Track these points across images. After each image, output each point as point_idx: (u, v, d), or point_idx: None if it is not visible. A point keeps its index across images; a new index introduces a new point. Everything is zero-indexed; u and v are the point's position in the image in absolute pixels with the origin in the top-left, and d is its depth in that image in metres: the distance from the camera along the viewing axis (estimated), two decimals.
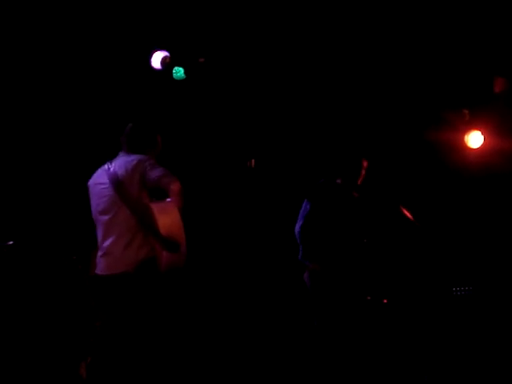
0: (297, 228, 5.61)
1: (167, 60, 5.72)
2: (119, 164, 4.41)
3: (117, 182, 4.32)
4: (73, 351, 5.28)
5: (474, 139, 6.58)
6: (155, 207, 4.27)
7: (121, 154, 4.51)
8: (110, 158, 5.81)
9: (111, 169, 4.40)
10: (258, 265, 6.70)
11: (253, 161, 5.42)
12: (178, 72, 5.81)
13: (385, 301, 5.69)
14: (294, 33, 6.00)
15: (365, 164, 5.64)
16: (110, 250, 4.35)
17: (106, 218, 4.38)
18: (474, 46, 6.29)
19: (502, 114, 6.53)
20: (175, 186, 4.23)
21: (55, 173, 6.27)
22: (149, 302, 4.25)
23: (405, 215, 5.69)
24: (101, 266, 4.41)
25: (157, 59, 5.80)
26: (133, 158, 4.38)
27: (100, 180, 4.46)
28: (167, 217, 4.25)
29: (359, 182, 5.65)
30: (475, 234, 6.68)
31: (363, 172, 5.64)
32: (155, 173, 4.29)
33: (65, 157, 6.27)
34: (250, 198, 6.51)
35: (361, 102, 6.69)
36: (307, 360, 5.73)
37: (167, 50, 5.78)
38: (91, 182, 4.55)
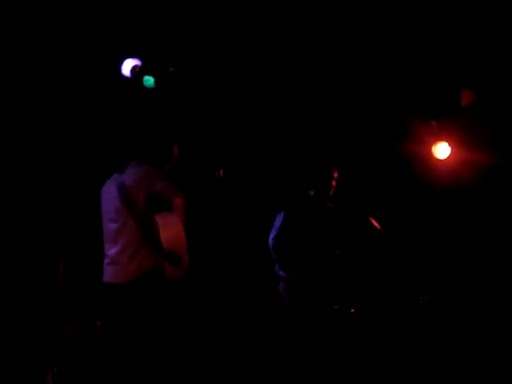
0: (270, 240, 5.66)
1: (137, 69, 5.71)
2: (128, 174, 4.44)
3: (123, 192, 4.36)
4: (39, 360, 5.23)
5: (441, 150, 6.65)
6: (159, 219, 4.35)
7: (132, 163, 4.52)
8: (77, 166, 5.80)
9: (120, 178, 4.44)
10: (227, 276, 6.70)
11: (221, 171, 5.44)
12: (149, 80, 5.80)
13: (352, 310, 5.73)
14: (265, 45, 6.02)
15: (335, 175, 5.72)
16: (115, 260, 4.41)
17: (113, 226, 4.43)
18: (441, 58, 6.36)
19: (469, 125, 6.62)
20: (178, 200, 4.29)
21: (21, 181, 6.21)
22: (151, 311, 4.33)
23: (373, 225, 5.75)
24: (106, 274, 4.47)
25: (127, 67, 5.80)
26: (141, 169, 4.42)
27: (109, 188, 4.50)
28: (170, 230, 4.35)
29: (331, 193, 5.73)
30: (442, 244, 6.75)
31: (334, 183, 5.71)
32: (160, 185, 4.33)
33: (29, 165, 6.21)
34: (218, 208, 6.51)
35: (330, 114, 6.73)
36: (283, 369, 5.76)
37: (138, 58, 5.77)
38: (102, 189, 4.59)
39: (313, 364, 5.46)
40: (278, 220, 5.66)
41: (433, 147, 6.65)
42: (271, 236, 5.64)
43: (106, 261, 4.49)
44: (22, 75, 5.95)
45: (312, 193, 5.74)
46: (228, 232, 6.65)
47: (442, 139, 6.62)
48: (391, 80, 6.53)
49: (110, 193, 4.49)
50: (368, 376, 5.91)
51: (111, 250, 4.44)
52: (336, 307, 5.61)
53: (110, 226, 4.47)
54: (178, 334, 5.30)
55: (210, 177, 5.81)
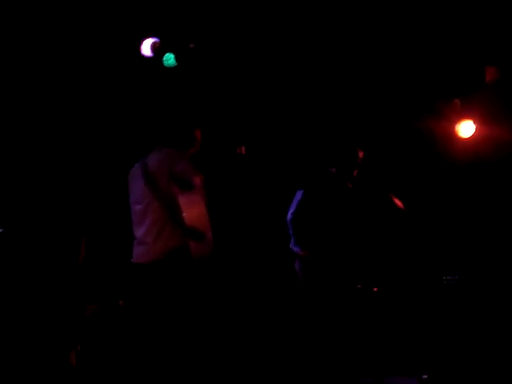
0: (289, 215, 5.64)
1: (157, 45, 5.69)
2: (152, 157, 4.66)
3: (147, 175, 4.57)
4: (62, 340, 5.27)
5: (465, 129, 6.58)
6: (182, 199, 4.54)
7: (157, 148, 4.71)
8: (99, 147, 5.91)
9: (145, 161, 4.66)
10: (248, 253, 6.69)
11: (243, 148, 5.42)
12: (169, 59, 5.78)
13: (375, 289, 5.70)
14: (286, 18, 5.96)
15: (360, 155, 5.66)
16: (143, 240, 4.59)
17: (138, 207, 4.65)
18: (465, 35, 6.28)
19: (493, 103, 6.53)
20: (197, 180, 4.49)
21: (43, 163, 6.24)
22: (178, 289, 4.49)
23: (395, 204, 5.70)
24: (134, 255, 4.66)
25: (147, 46, 5.77)
26: (163, 152, 4.63)
27: (136, 172, 4.72)
28: (192, 208, 4.55)
29: (355, 174, 5.66)
30: (466, 223, 6.68)
31: (359, 163, 5.65)
32: (180, 166, 4.52)
33: (53, 147, 6.24)
34: (240, 185, 6.48)
35: (355, 93, 6.68)
36: (299, 349, 5.75)
37: (157, 37, 5.74)
38: (130, 174, 4.78)
39: (328, 341, 5.44)
40: (298, 196, 5.64)
41: (457, 125, 6.57)
42: (290, 211, 5.63)
43: (135, 242, 4.66)
44: (42, 60, 5.95)
45: (334, 171, 5.70)
46: (250, 209, 6.65)
47: (466, 117, 6.55)
48: (415, 58, 6.45)
49: (135, 176, 4.69)
50: (389, 355, 5.89)
51: (138, 231, 4.62)
52: (359, 286, 5.59)
53: (135, 208, 4.65)
54: (203, 311, 5.32)
55: (232, 154, 5.80)
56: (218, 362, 5.86)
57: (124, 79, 6.23)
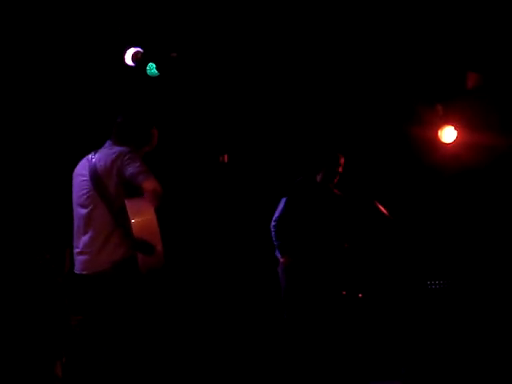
0: (272, 221, 5.70)
1: (138, 55, 5.65)
2: (101, 156, 4.12)
3: (95, 176, 4.05)
4: (48, 351, 5.24)
5: (448, 134, 6.61)
6: (129, 205, 3.95)
7: (107, 144, 4.21)
8: (81, 153, 5.75)
9: (92, 160, 4.11)
10: (230, 260, 6.70)
11: (225, 156, 5.40)
12: (152, 68, 5.77)
13: (360, 295, 5.72)
14: (267, 26, 5.96)
15: (342, 161, 5.71)
16: (87, 249, 4.07)
17: (83, 211, 4.10)
18: (447, 41, 6.32)
19: (475, 108, 6.57)
20: (148, 185, 3.93)
21: (26, 167, 6.19)
22: (126, 302, 4.02)
23: (380, 210, 5.73)
24: (78, 265, 4.13)
25: (129, 56, 5.75)
26: (114, 151, 4.09)
27: (81, 171, 4.18)
28: (141, 216, 3.93)
29: (336, 180, 5.72)
30: (449, 228, 6.72)
31: (340, 169, 5.70)
32: (131, 169, 3.99)
33: (36, 151, 6.19)
34: (222, 193, 6.50)
35: (336, 99, 6.71)
36: (277, 353, 5.77)
37: (139, 47, 5.71)
38: (74, 171, 4.26)
39: (313, 347, 5.47)
40: (282, 203, 5.70)
41: (439, 131, 6.61)
42: (273, 218, 5.70)
43: (76, 250, 4.14)
44: (20, 58, 5.89)
45: (318, 178, 5.76)
46: (233, 218, 6.65)
47: (448, 123, 6.58)
48: (397, 64, 6.48)
49: (80, 176, 4.18)
50: (374, 360, 5.92)
51: (82, 239, 4.10)
52: (344, 292, 5.61)
53: (80, 212, 4.13)
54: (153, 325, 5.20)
55: (215, 162, 5.77)
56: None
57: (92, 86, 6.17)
